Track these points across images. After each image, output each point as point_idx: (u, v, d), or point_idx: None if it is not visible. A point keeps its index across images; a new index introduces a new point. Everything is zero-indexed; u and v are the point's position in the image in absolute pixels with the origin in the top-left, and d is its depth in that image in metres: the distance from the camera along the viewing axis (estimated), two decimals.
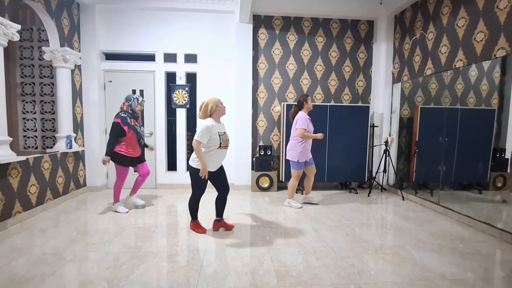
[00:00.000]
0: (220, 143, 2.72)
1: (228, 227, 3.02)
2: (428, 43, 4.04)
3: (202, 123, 2.70)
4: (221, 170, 2.93)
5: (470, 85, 3.67)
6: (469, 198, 3.89)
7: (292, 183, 3.84)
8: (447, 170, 3.84)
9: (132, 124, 3.41)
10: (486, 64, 3.37)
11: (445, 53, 3.72)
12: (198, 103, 4.86)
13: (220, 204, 2.97)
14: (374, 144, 5.00)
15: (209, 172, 2.74)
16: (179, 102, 4.79)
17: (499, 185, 3.49)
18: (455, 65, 3.55)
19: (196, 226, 2.96)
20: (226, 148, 2.83)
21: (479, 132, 3.52)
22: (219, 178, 2.91)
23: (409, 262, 2.35)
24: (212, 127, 2.67)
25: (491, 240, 2.83)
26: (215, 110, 2.75)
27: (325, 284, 2.03)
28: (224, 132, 2.82)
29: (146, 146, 3.74)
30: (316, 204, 4.00)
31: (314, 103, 4.90)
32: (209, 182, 2.84)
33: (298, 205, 3.85)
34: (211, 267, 2.25)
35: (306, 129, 3.62)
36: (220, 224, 3.00)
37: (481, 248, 2.66)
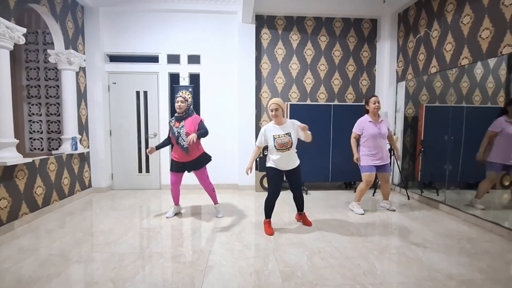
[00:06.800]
0: (275, 145, 2.83)
1: (307, 223, 3.20)
2: (432, 41, 4.00)
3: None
4: (293, 171, 2.99)
5: (475, 83, 3.63)
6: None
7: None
8: (453, 169, 3.80)
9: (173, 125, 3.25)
10: (491, 62, 3.32)
11: (450, 51, 3.68)
12: (202, 104, 4.88)
13: (297, 201, 3.19)
14: None
15: (281, 171, 2.94)
16: None
17: (506, 183, 3.44)
18: (460, 63, 3.52)
19: (266, 224, 3.04)
20: (284, 151, 2.84)
21: (485, 131, 3.46)
22: (291, 179, 3.04)
23: (415, 263, 2.33)
24: (266, 130, 2.91)
25: (499, 240, 2.79)
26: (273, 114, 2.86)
27: (330, 284, 2.02)
28: (284, 135, 2.84)
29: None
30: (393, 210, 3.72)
31: (317, 103, 4.91)
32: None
33: (361, 211, 3.58)
34: (216, 267, 2.25)
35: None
36: (300, 217, 3.26)
37: (489, 248, 2.62)
